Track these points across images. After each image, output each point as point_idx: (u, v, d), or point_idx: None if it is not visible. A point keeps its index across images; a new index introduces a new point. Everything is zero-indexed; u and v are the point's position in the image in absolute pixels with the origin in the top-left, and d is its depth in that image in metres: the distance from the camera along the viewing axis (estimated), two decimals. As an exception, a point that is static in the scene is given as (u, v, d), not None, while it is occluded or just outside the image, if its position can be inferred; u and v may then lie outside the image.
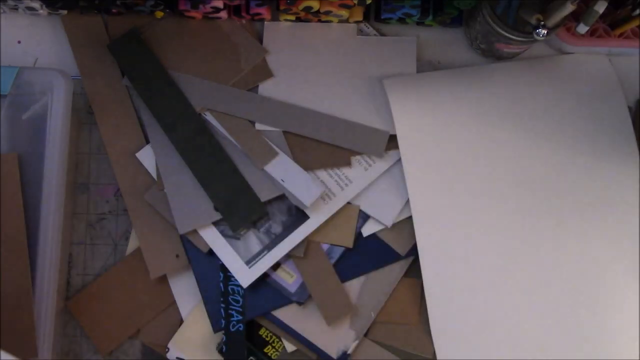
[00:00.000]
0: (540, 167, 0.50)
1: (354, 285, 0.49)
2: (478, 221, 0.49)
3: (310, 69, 0.52)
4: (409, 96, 0.50)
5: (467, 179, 0.49)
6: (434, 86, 0.50)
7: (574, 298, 0.49)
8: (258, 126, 0.50)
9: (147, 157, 0.50)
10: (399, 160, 0.50)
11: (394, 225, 0.50)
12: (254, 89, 0.51)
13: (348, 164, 0.50)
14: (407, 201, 0.49)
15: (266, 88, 0.51)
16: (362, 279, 0.49)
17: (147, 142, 0.51)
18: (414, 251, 0.49)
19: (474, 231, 0.49)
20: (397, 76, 0.50)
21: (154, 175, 0.50)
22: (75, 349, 0.50)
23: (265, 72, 0.52)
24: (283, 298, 0.48)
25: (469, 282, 0.48)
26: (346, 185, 0.50)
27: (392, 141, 0.50)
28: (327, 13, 0.50)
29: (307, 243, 0.49)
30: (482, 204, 0.49)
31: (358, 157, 0.50)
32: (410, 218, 0.49)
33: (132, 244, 0.50)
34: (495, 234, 0.49)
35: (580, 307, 0.49)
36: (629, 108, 0.52)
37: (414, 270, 0.49)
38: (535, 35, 0.44)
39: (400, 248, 0.49)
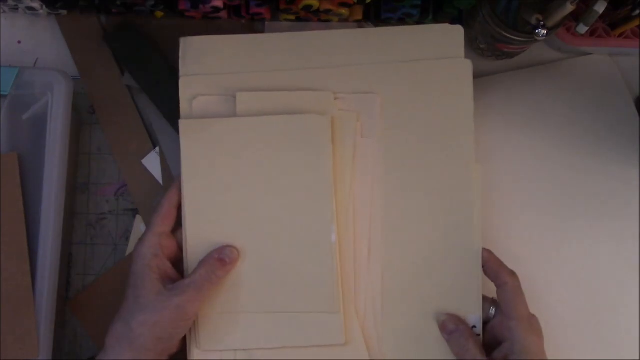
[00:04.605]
0: (552, 169, 0.51)
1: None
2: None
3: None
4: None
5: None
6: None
7: (574, 297, 0.49)
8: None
9: (152, 163, 0.51)
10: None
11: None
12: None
13: None
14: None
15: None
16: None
17: (153, 144, 0.51)
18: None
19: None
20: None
21: (160, 181, 0.50)
22: (75, 349, 0.50)
23: (265, 72, 0.52)
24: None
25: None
26: None
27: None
28: (327, 12, 0.50)
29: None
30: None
31: None
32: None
33: (132, 244, 0.50)
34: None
35: (580, 305, 0.49)
36: (629, 108, 0.52)
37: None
38: (535, 35, 0.44)
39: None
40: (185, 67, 0.46)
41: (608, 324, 0.49)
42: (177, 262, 0.44)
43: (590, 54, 0.53)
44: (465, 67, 0.45)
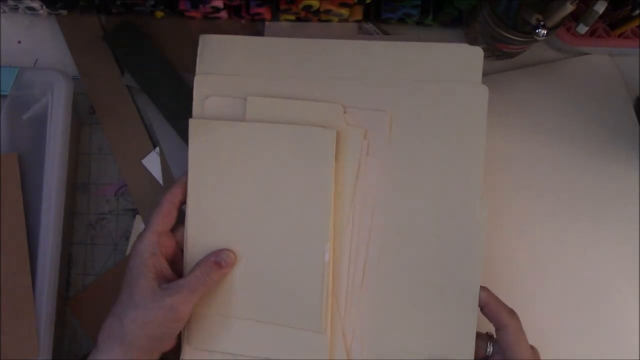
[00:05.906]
0: (551, 169, 0.51)
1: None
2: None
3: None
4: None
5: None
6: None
7: (574, 298, 0.49)
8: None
9: (152, 163, 0.51)
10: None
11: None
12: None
13: None
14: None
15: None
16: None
17: (153, 144, 0.51)
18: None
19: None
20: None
21: (160, 181, 0.50)
22: (75, 349, 0.50)
23: (265, 72, 0.52)
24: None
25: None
26: None
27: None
28: (327, 12, 0.50)
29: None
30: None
31: None
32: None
33: (132, 244, 0.50)
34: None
35: (581, 306, 0.49)
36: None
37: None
38: (535, 35, 0.44)
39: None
40: (202, 65, 0.45)
41: (609, 325, 0.49)
42: (174, 261, 0.44)
43: (590, 54, 0.53)
44: (481, 94, 0.43)
